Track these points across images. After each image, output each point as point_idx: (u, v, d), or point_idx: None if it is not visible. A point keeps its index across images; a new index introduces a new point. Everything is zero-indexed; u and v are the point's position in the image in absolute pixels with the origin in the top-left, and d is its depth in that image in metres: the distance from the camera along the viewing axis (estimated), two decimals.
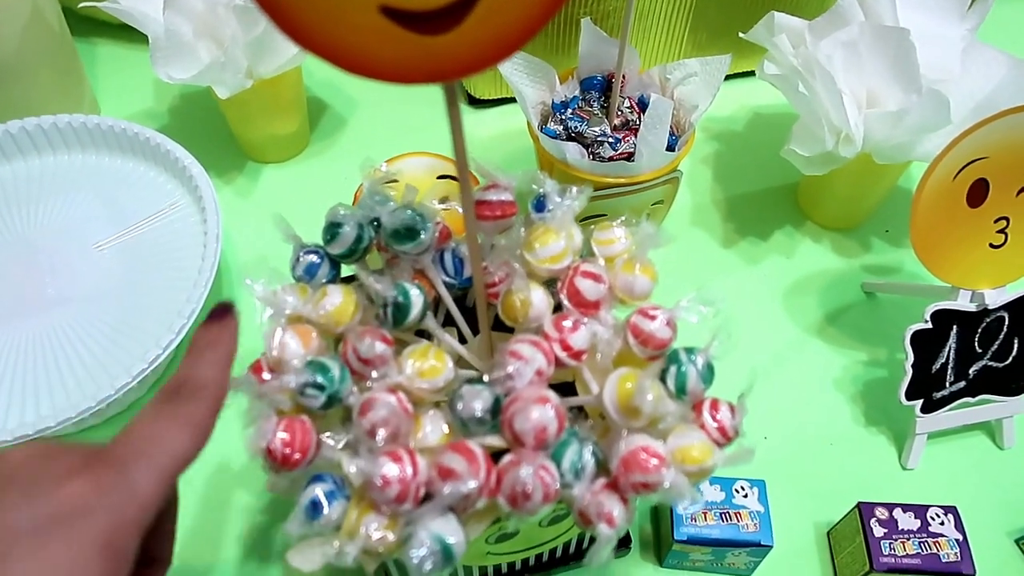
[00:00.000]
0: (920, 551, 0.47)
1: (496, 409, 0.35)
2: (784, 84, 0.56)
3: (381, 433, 0.34)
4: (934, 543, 0.47)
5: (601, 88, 0.59)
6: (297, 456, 0.34)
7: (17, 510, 0.23)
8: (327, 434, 0.36)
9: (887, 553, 0.47)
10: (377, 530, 0.33)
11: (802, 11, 0.63)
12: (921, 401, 0.54)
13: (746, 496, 0.49)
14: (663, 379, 0.38)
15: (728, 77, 0.78)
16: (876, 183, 0.63)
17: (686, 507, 0.46)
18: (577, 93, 0.59)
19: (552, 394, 0.34)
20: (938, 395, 0.54)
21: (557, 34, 0.65)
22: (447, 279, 0.41)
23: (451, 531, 0.32)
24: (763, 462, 0.48)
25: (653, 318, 0.38)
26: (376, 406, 0.34)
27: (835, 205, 0.67)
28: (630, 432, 0.35)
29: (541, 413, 0.33)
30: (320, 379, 0.35)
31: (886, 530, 0.48)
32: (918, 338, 0.52)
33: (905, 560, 0.47)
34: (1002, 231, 0.51)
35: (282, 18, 0.26)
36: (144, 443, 0.26)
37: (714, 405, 0.38)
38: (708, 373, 0.38)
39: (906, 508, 0.49)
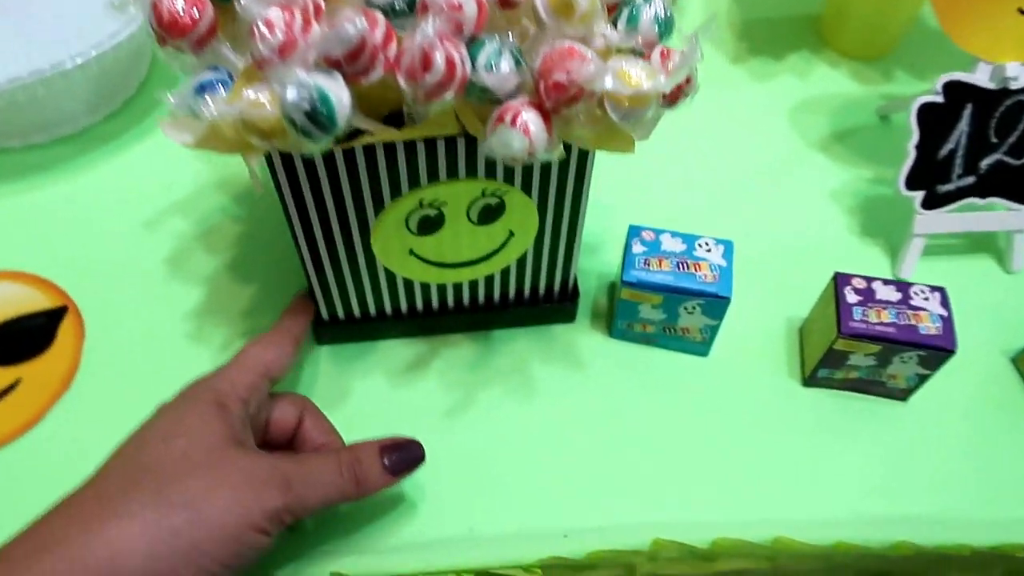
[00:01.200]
0: (896, 321, 0.42)
1: (413, 2, 0.31)
2: None
3: None
4: (914, 315, 0.42)
5: None
6: (188, 20, 0.30)
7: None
8: (224, 43, 0.33)
9: (858, 319, 0.42)
10: (258, 95, 0.29)
11: None
12: (923, 193, 0.48)
13: (709, 251, 0.44)
14: (613, 24, 0.33)
15: None
16: None
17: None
18: None
19: None
20: (943, 189, 0.48)
21: None
22: None
23: (334, 87, 0.28)
24: (739, 257, 0.44)
25: None
26: None
27: (858, 27, 0.61)
28: (560, 39, 0.31)
29: None
30: None
31: (861, 298, 0.43)
32: (926, 113, 0.46)
33: (878, 327, 0.42)
34: None
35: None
36: (241, 356, 0.39)
37: (665, 52, 0.33)
38: (665, 20, 0.33)
39: (887, 281, 0.44)
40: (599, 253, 0.51)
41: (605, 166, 0.44)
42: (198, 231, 0.51)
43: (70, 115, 0.54)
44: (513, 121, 0.30)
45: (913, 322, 0.42)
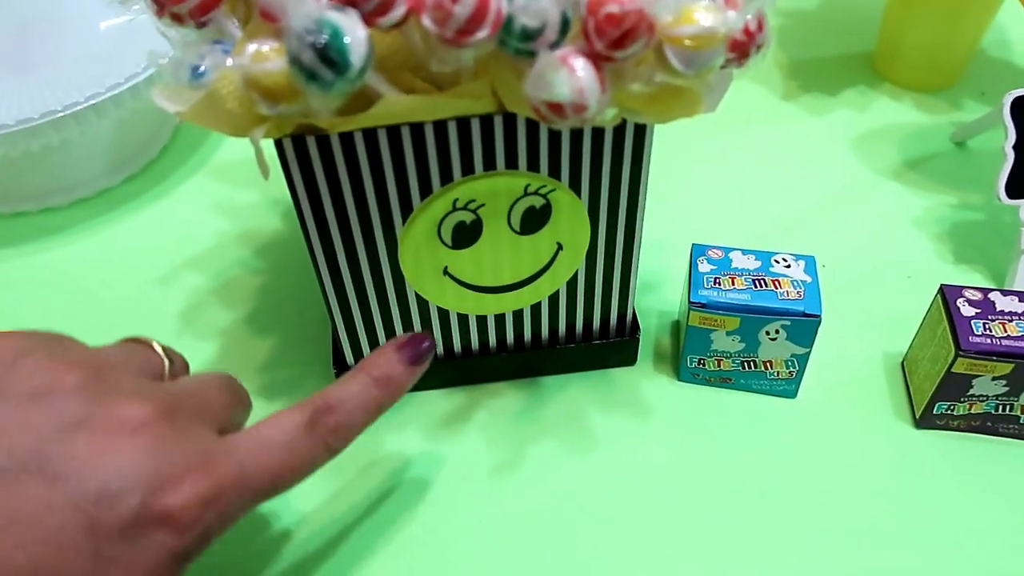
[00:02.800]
0: None
1: None
2: None
3: None
4: None
5: None
6: None
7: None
8: (230, 18, 0.30)
9: (980, 333, 0.35)
10: (262, 47, 0.25)
11: None
12: None
13: (788, 267, 0.38)
14: None
15: None
16: (965, 19, 0.54)
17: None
18: None
19: None
20: None
21: None
22: None
23: (347, 23, 0.24)
24: (821, 285, 0.38)
25: None
26: None
27: (917, 59, 0.57)
28: None
29: None
30: None
31: (979, 310, 0.36)
32: (1021, 109, 0.41)
33: (1006, 342, 0.34)
34: None
35: None
36: (252, 475, 0.26)
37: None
38: None
39: (1007, 292, 0.37)
40: (659, 291, 0.46)
41: (659, 197, 0.40)
42: (215, 286, 0.47)
43: (88, 177, 0.52)
44: (561, 61, 0.25)
45: None
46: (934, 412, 0.38)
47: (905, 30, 0.57)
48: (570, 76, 0.25)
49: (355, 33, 0.24)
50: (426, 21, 0.25)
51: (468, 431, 0.39)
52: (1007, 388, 0.36)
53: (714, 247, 0.40)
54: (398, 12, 0.25)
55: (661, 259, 0.47)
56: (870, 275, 0.46)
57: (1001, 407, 0.37)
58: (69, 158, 0.49)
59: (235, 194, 0.53)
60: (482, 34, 0.25)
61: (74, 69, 0.51)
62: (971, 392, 0.36)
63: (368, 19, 0.25)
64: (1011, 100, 0.41)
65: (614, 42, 0.25)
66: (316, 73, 0.24)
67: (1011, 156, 0.41)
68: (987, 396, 0.36)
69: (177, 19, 0.28)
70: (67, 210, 0.52)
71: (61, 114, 0.44)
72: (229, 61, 0.25)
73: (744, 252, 0.39)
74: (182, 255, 0.49)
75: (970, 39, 0.57)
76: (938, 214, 0.50)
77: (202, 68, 0.26)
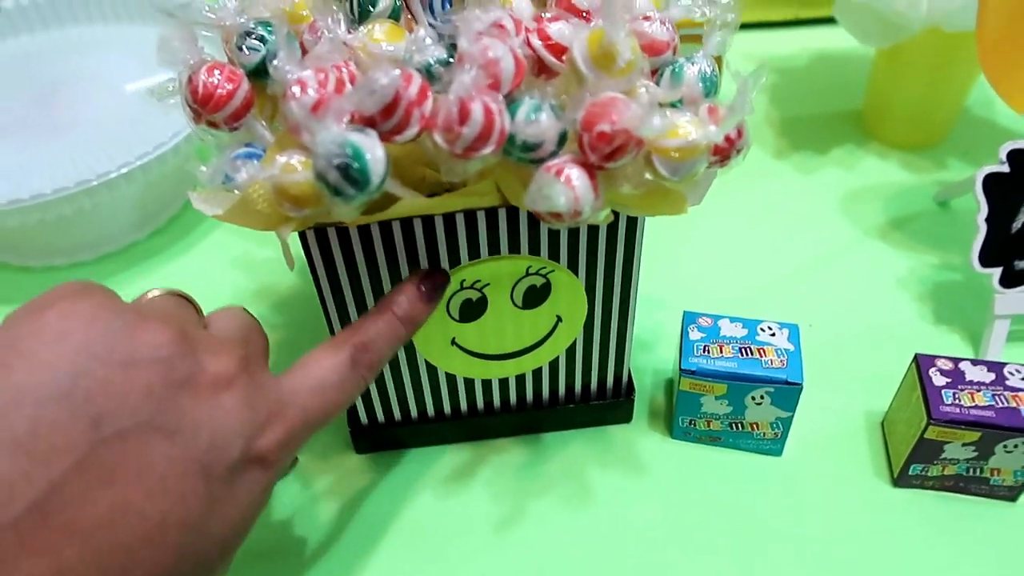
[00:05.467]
0: (994, 404, 0.37)
1: (449, 63, 0.30)
2: None
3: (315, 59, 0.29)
4: (1013, 397, 0.37)
5: None
6: (222, 92, 0.30)
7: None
8: (260, 120, 0.33)
9: (950, 402, 0.37)
10: (291, 159, 0.28)
11: None
12: (1000, 270, 0.45)
13: (773, 335, 0.41)
14: (657, 84, 0.32)
15: (795, 23, 0.75)
16: (948, 81, 0.57)
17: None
18: None
19: (514, 39, 0.30)
20: (1021, 265, 0.45)
21: None
22: (432, 21, 0.38)
23: (367, 142, 0.27)
24: (807, 347, 0.40)
25: (649, 18, 0.33)
26: (319, 45, 0.30)
27: (904, 118, 0.60)
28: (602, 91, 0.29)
29: (495, 44, 0.28)
30: (262, 31, 0.31)
31: (949, 380, 0.39)
32: (993, 185, 0.44)
33: (974, 412, 0.37)
34: None
35: None
36: (300, 406, 0.30)
37: (713, 107, 0.32)
38: (710, 77, 0.32)
39: (976, 362, 0.39)
40: (653, 349, 0.48)
41: (654, 258, 0.42)
42: None
43: (116, 232, 0.55)
44: (557, 173, 0.28)
45: (1014, 404, 0.37)
46: (910, 473, 0.40)
47: (891, 90, 0.60)
48: (567, 188, 0.28)
49: (374, 152, 0.27)
50: (437, 138, 0.28)
51: (474, 486, 0.42)
52: (976, 453, 0.38)
53: (704, 315, 0.42)
54: (412, 131, 0.28)
55: (655, 317, 0.49)
56: (854, 335, 0.48)
57: (971, 469, 0.39)
58: (98, 218, 0.52)
59: (253, 250, 0.56)
60: (487, 150, 0.28)
61: (102, 132, 0.55)
62: (943, 455, 0.39)
63: (385, 137, 0.28)
64: (983, 176, 0.44)
65: (606, 156, 0.28)
66: (340, 189, 0.27)
67: (983, 228, 0.44)
68: (958, 459, 0.39)
69: (212, 125, 0.31)
70: (95, 264, 0.55)
71: (94, 183, 0.47)
72: (261, 173, 0.28)
73: (732, 320, 0.42)
74: (204, 308, 0.52)
75: (955, 99, 0.59)
76: (920, 274, 0.52)
77: (235, 176, 0.29)
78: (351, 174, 0.26)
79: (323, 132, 0.26)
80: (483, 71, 0.28)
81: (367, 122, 0.27)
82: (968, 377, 0.39)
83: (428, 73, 0.30)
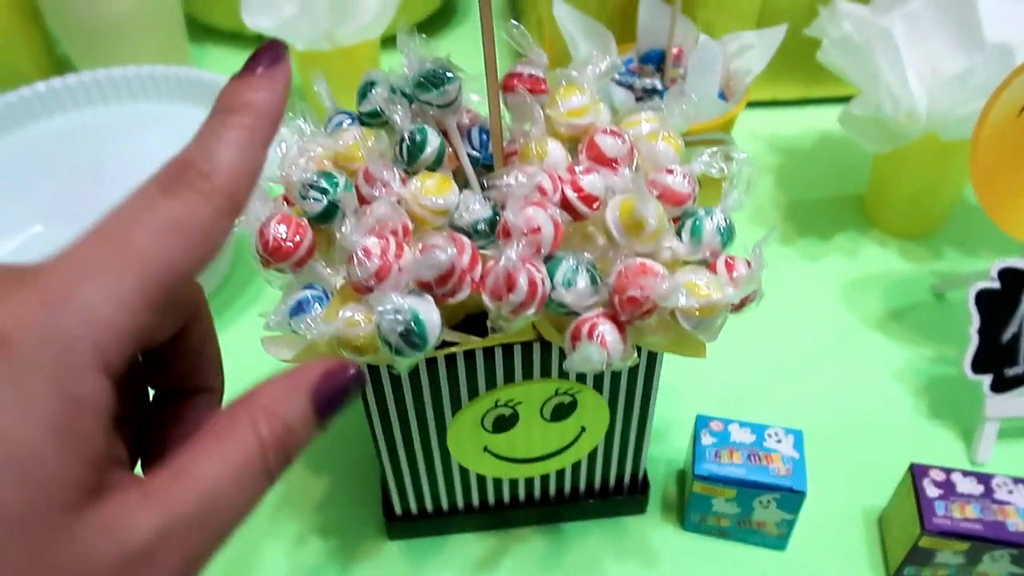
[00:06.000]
0: (982, 517, 0.41)
1: (493, 222, 0.33)
2: (842, 49, 0.55)
3: (375, 224, 0.33)
4: (999, 511, 0.41)
5: (658, 61, 0.60)
6: (290, 244, 0.33)
7: None
8: (323, 264, 0.36)
9: (942, 515, 0.41)
10: (354, 315, 0.31)
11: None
12: (990, 377, 0.48)
13: (779, 441, 0.44)
14: (678, 234, 0.36)
15: (798, 103, 0.78)
16: (945, 176, 0.60)
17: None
18: (633, 57, 0.60)
19: (553, 207, 0.33)
20: (1011, 372, 0.48)
21: (623, 11, 0.67)
22: (472, 152, 0.41)
23: (425, 308, 0.30)
24: (808, 443, 0.44)
25: (672, 172, 0.36)
26: (376, 206, 0.34)
27: (903, 207, 0.63)
28: (632, 256, 0.33)
29: (536, 212, 0.32)
30: (324, 183, 0.35)
31: (942, 491, 0.42)
32: (984, 299, 0.47)
33: (964, 524, 0.40)
34: None
35: None
36: (97, 261, 0.18)
37: (730, 261, 0.35)
38: (727, 229, 0.35)
39: (967, 473, 0.43)
40: (666, 439, 0.51)
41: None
42: None
43: None
44: (590, 334, 0.32)
45: (1000, 518, 0.40)
46: (905, 573, 0.43)
47: (891, 183, 0.63)
48: (601, 350, 0.31)
49: (432, 318, 0.30)
50: (486, 300, 0.31)
51: (499, 573, 0.45)
52: (965, 560, 0.41)
53: (715, 418, 0.46)
54: (464, 294, 0.31)
55: (669, 407, 0.53)
56: (853, 430, 0.52)
57: (961, 574, 0.42)
58: None
59: None
60: (530, 312, 0.31)
61: None
62: (935, 560, 0.42)
63: (440, 299, 0.31)
64: (975, 291, 0.47)
65: (635, 316, 0.32)
66: (400, 350, 0.30)
67: (975, 339, 0.47)
68: (949, 564, 0.42)
69: (279, 270, 0.34)
70: None
71: None
72: (327, 328, 0.31)
73: (741, 425, 0.45)
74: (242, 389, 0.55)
75: (951, 194, 0.63)
76: (916, 367, 0.56)
77: (302, 329, 0.32)
78: (411, 339, 0.30)
79: (387, 301, 0.30)
80: (527, 240, 0.31)
81: (424, 286, 0.31)
82: (959, 489, 0.42)
83: (475, 231, 0.33)
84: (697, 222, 0.35)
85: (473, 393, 0.38)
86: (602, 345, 0.31)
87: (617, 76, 0.57)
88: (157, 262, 0.19)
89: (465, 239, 0.32)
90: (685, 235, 0.35)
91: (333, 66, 0.67)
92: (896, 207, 0.64)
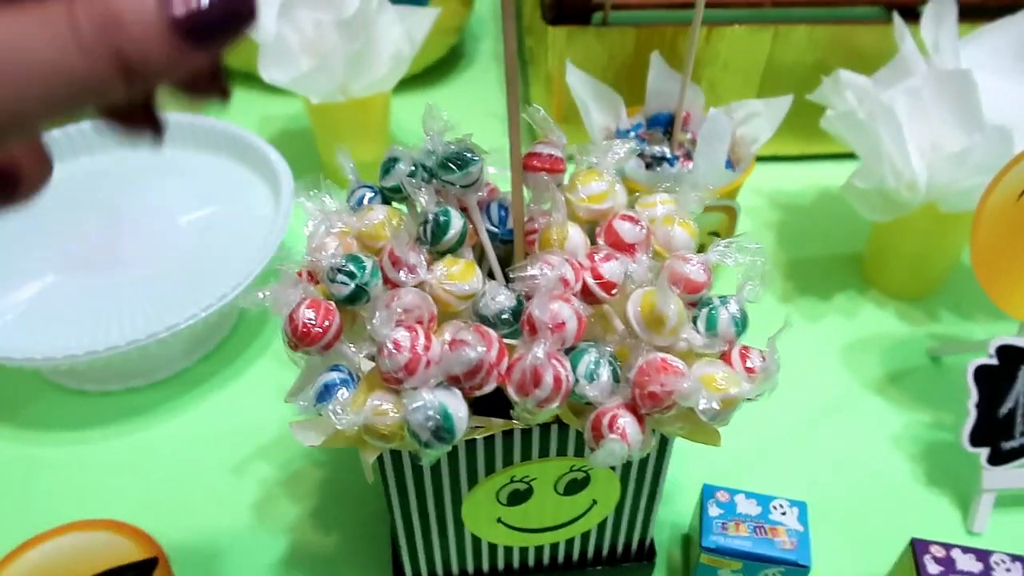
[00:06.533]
0: None
1: (517, 311, 0.34)
2: (846, 123, 0.57)
3: (402, 315, 0.34)
4: None
5: (666, 124, 0.61)
6: (318, 330, 0.34)
7: None
8: (348, 344, 0.37)
9: None
10: (382, 404, 0.32)
11: (868, 73, 0.64)
12: (987, 450, 0.49)
13: (784, 514, 0.45)
14: (694, 322, 0.37)
15: (799, 159, 0.80)
16: (943, 242, 0.62)
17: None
18: (642, 123, 0.61)
19: (575, 300, 0.34)
20: (1007, 445, 0.49)
21: (632, 80, 0.69)
22: (491, 227, 0.42)
23: (454, 404, 0.31)
24: (811, 512, 0.45)
25: (688, 260, 0.37)
26: (403, 294, 0.35)
27: (901, 269, 0.65)
28: (652, 350, 0.34)
29: (561, 307, 0.33)
30: (352, 267, 0.36)
31: (943, 568, 0.43)
32: (982, 375, 0.49)
33: None
34: None
35: None
36: None
37: (744, 350, 0.36)
38: (741, 319, 0.37)
39: (966, 550, 0.44)
40: (671, 503, 0.52)
41: None
42: (282, 477, 0.54)
43: (169, 360, 0.59)
44: (611, 426, 0.33)
45: None
46: None
47: (889, 247, 0.65)
48: (623, 445, 0.32)
49: (460, 413, 0.31)
50: (511, 392, 0.32)
51: None
52: None
53: (722, 488, 0.47)
54: (490, 387, 0.32)
55: (672, 469, 0.54)
56: (854, 498, 0.53)
57: None
58: (153, 352, 0.56)
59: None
60: (554, 405, 0.32)
61: (161, 268, 0.59)
62: None
63: (468, 392, 0.32)
64: (974, 367, 0.49)
65: (655, 410, 0.33)
66: (429, 444, 0.31)
67: (973, 412, 0.49)
68: None
69: (307, 352, 0.35)
70: (148, 391, 0.59)
71: (163, 334, 0.51)
72: (356, 417, 0.32)
73: (747, 496, 0.46)
74: (253, 443, 0.56)
75: (947, 260, 0.64)
76: (914, 432, 0.57)
77: (330, 406, 0.33)
78: (441, 434, 0.30)
79: (418, 398, 0.30)
80: (552, 334, 0.32)
81: (453, 379, 0.32)
82: (959, 566, 0.43)
83: (499, 321, 0.34)
84: (713, 311, 0.36)
85: (490, 470, 0.39)
86: (622, 438, 0.32)
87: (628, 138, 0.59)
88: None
89: (492, 333, 0.33)
90: (701, 324, 0.36)
91: (345, 116, 0.68)
92: (894, 270, 0.66)
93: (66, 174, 0.66)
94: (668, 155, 0.57)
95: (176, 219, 0.63)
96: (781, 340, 0.64)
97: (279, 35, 0.62)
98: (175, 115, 0.68)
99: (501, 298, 0.34)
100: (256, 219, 0.62)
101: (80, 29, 0.18)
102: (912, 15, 0.63)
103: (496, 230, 0.42)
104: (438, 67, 0.90)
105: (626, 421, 0.33)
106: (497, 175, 0.41)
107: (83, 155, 0.68)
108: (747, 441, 0.56)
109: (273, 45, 0.62)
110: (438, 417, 0.30)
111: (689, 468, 0.54)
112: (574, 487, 0.41)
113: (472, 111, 0.86)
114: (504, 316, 0.34)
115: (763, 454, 0.55)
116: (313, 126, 0.72)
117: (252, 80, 0.87)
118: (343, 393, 0.34)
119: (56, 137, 0.66)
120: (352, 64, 0.63)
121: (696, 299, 0.37)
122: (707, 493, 0.46)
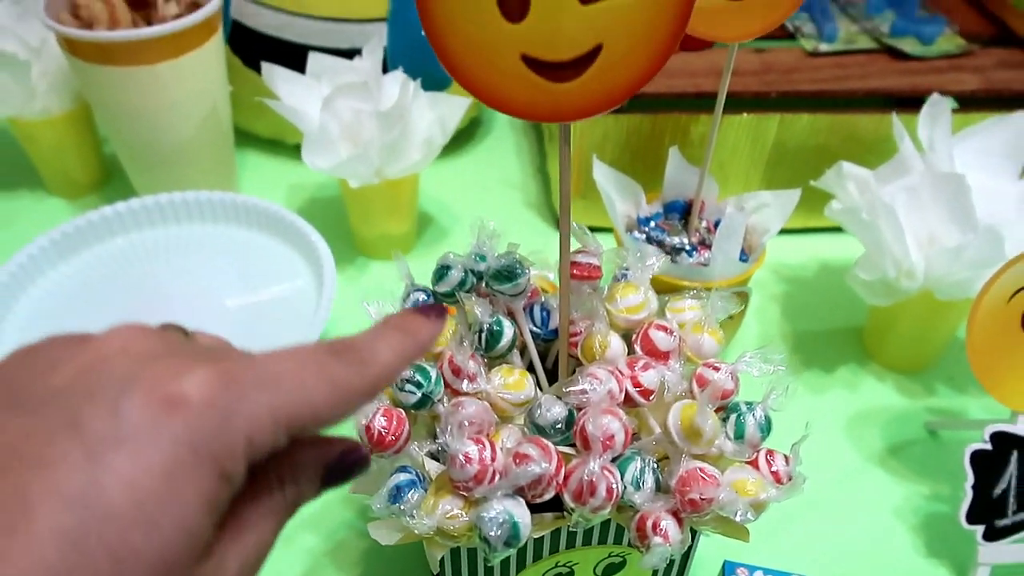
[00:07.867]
0: None
1: (570, 421, 0.39)
2: (850, 217, 0.62)
3: (467, 426, 0.38)
4: None
5: (682, 211, 0.66)
6: (391, 438, 0.38)
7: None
8: (413, 443, 0.41)
9: None
10: (453, 509, 0.36)
11: (868, 164, 0.69)
12: (983, 527, 0.54)
13: None
14: (724, 420, 0.41)
15: (802, 231, 0.85)
16: (938, 324, 0.66)
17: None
18: (660, 211, 0.66)
19: (621, 412, 0.38)
20: (1001, 523, 0.54)
21: (647, 160, 0.74)
22: (533, 328, 0.46)
23: (520, 512, 0.35)
24: None
25: (717, 369, 0.42)
26: (466, 404, 0.39)
27: (899, 346, 0.70)
28: (690, 458, 0.38)
29: (611, 422, 0.37)
30: (419, 377, 0.40)
31: None
32: (978, 459, 0.53)
33: None
34: None
35: (448, 61, 0.34)
36: (273, 375, 0.23)
37: (769, 454, 0.41)
38: (766, 424, 0.41)
39: None
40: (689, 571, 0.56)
41: None
42: (327, 547, 0.57)
43: None
44: (655, 528, 0.37)
45: None
46: None
47: (887, 325, 0.70)
48: (667, 546, 0.36)
49: (524, 520, 0.35)
50: (567, 500, 0.36)
51: None
52: None
53: (742, 565, 0.51)
54: (549, 495, 0.36)
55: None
56: (859, 571, 0.57)
57: None
58: None
59: None
60: (606, 511, 0.36)
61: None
62: None
63: (530, 499, 0.36)
64: (970, 451, 0.53)
65: (693, 514, 0.37)
66: (496, 548, 0.35)
67: (970, 493, 0.53)
68: None
69: (380, 456, 0.39)
70: None
71: None
72: (429, 520, 0.36)
73: (766, 572, 0.50)
74: (299, 514, 0.59)
75: (942, 338, 0.69)
76: (913, 504, 0.61)
77: (403, 507, 0.37)
78: (510, 541, 0.35)
79: (489, 508, 0.35)
80: (604, 449, 0.36)
81: (517, 490, 0.36)
82: None
83: (553, 429, 0.38)
84: (740, 418, 0.41)
85: (537, 557, 0.43)
86: (664, 539, 0.36)
87: (648, 230, 0.63)
88: (310, 402, 0.23)
89: (552, 447, 0.37)
90: (730, 430, 0.41)
91: (379, 195, 0.73)
92: (892, 346, 0.70)
93: (115, 251, 0.70)
94: (687, 246, 0.61)
95: (224, 302, 0.67)
96: (788, 412, 0.68)
97: (322, 126, 0.66)
98: (214, 195, 0.72)
99: (556, 410, 0.38)
100: (300, 300, 0.66)
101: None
102: (910, 103, 0.68)
103: (539, 331, 0.46)
104: (460, 136, 0.95)
105: (668, 524, 0.37)
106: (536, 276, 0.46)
107: (132, 231, 0.72)
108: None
109: (317, 134, 0.67)
110: (507, 526, 0.34)
111: (704, 540, 0.57)
112: (611, 570, 0.45)
113: (490, 179, 0.92)
114: (558, 426, 0.38)
115: (772, 528, 0.59)
116: (346, 202, 0.76)
117: (280, 147, 0.92)
118: (414, 494, 0.38)
119: (107, 214, 0.70)
120: (388, 151, 0.68)
121: (724, 404, 0.42)
122: (728, 570, 0.50)
